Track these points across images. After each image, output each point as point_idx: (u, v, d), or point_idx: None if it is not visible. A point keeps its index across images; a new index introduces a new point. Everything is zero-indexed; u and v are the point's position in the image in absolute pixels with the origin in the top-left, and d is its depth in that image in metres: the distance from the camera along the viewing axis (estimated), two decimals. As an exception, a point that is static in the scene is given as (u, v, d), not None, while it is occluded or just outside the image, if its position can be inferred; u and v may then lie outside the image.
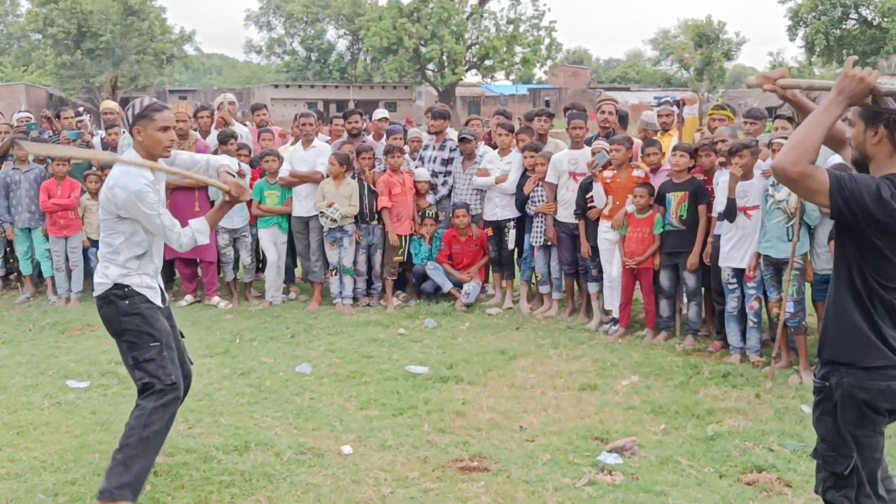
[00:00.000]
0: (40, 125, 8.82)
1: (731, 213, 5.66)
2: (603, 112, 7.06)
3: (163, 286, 3.81)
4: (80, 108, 12.44)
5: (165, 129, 3.57)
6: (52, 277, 7.91)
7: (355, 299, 7.59)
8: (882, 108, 2.39)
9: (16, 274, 8.34)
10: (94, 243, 7.96)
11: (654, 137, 6.88)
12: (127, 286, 3.62)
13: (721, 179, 5.82)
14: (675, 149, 6.26)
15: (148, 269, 3.69)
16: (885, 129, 2.40)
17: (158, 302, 3.71)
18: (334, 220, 7.21)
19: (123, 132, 8.29)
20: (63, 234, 7.77)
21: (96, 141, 8.36)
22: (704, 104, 7.03)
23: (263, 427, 4.54)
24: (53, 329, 6.89)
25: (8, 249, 8.24)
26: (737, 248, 5.73)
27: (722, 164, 6.01)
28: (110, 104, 8.88)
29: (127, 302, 3.62)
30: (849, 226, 2.38)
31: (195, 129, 8.00)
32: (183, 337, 3.86)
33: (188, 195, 7.50)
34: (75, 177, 7.83)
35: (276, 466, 3.99)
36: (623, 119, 7.19)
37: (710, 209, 6.06)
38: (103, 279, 3.66)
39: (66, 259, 7.81)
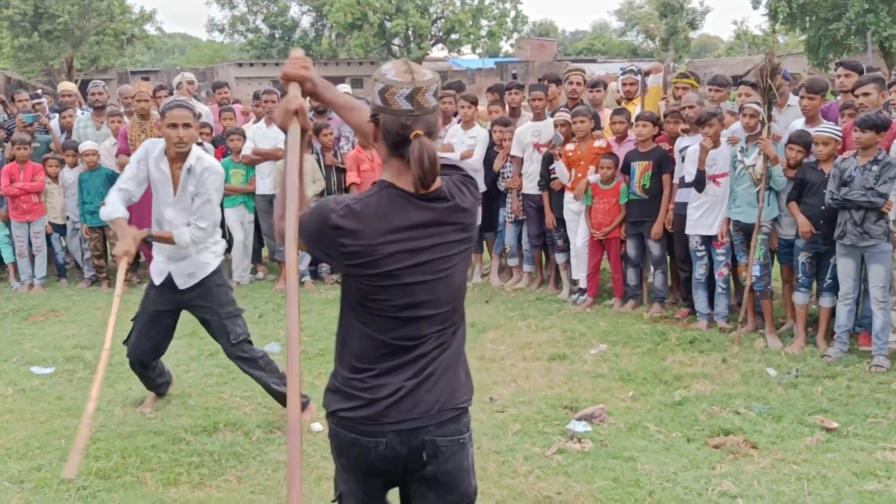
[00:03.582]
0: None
1: (700, 183, 5.70)
2: (571, 83, 7.07)
3: (172, 273, 4.11)
4: (39, 91, 12.13)
5: (172, 126, 3.92)
6: (14, 263, 7.75)
7: (317, 276, 7.57)
8: (373, 101, 2.02)
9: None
10: (57, 228, 7.81)
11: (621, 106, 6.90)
12: None
13: (690, 149, 5.84)
14: (637, 118, 6.29)
15: (161, 249, 4.14)
16: (375, 127, 2.02)
17: (156, 280, 4.14)
18: None
19: (81, 114, 8.12)
20: (26, 218, 7.59)
21: (54, 124, 8.16)
22: (670, 74, 7.03)
23: (232, 407, 4.51)
24: (17, 315, 6.76)
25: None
26: (706, 215, 5.77)
27: (685, 132, 6.05)
28: (68, 86, 8.66)
29: None
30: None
31: (155, 109, 7.84)
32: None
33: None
34: (35, 161, 7.65)
35: (246, 446, 3.97)
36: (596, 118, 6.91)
37: (672, 177, 6.11)
38: None
39: (30, 244, 7.65)
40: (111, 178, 7.42)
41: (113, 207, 3.92)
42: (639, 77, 6.94)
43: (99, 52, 42.08)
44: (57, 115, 8.28)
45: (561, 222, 6.73)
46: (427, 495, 2.11)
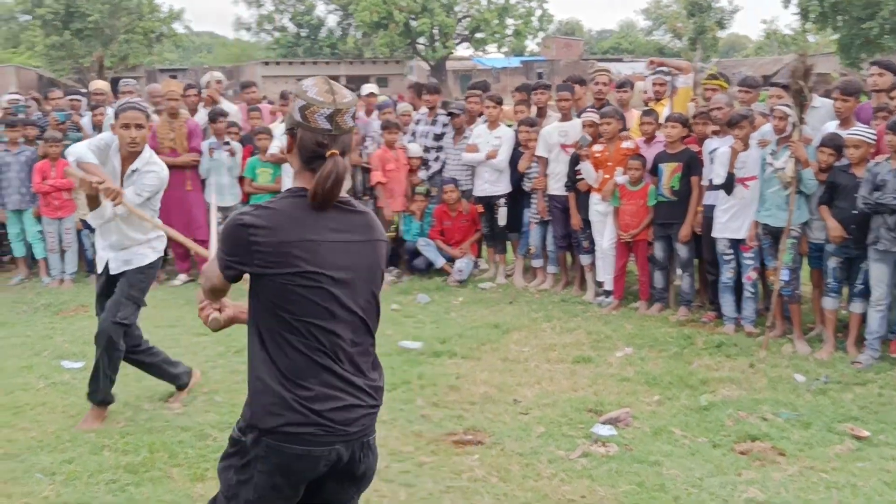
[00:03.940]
0: (28, 106, 8.73)
1: (730, 186, 5.64)
2: (597, 83, 7.04)
3: (110, 259, 4.32)
4: (83, 90, 12.29)
5: (125, 126, 4.10)
6: (45, 259, 7.88)
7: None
8: (292, 115, 2.09)
9: (9, 256, 8.31)
10: (87, 225, 7.92)
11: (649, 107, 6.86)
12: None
13: (720, 151, 5.78)
14: (667, 119, 6.24)
15: (103, 236, 4.32)
16: (291, 140, 2.11)
17: (98, 268, 4.40)
18: None
19: (110, 111, 8.22)
20: (57, 215, 7.72)
21: (86, 121, 8.28)
22: (698, 74, 6.97)
23: (259, 404, 4.54)
24: (48, 310, 6.87)
25: (1, 232, 8.21)
26: (734, 218, 5.72)
27: (714, 133, 5.99)
28: (100, 84, 8.77)
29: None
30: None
31: (185, 108, 7.93)
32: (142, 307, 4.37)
33: (179, 174, 7.48)
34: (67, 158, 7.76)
35: (272, 443, 4.00)
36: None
37: (700, 179, 6.06)
38: None
39: (60, 240, 7.78)
40: (141, 176, 7.53)
41: (87, 154, 4.08)
42: (668, 78, 6.88)
43: (128, 50, 42.56)
44: (89, 112, 8.40)
45: (587, 223, 6.71)
46: (347, 488, 2.20)
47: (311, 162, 2.07)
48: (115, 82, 9.13)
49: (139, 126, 4.12)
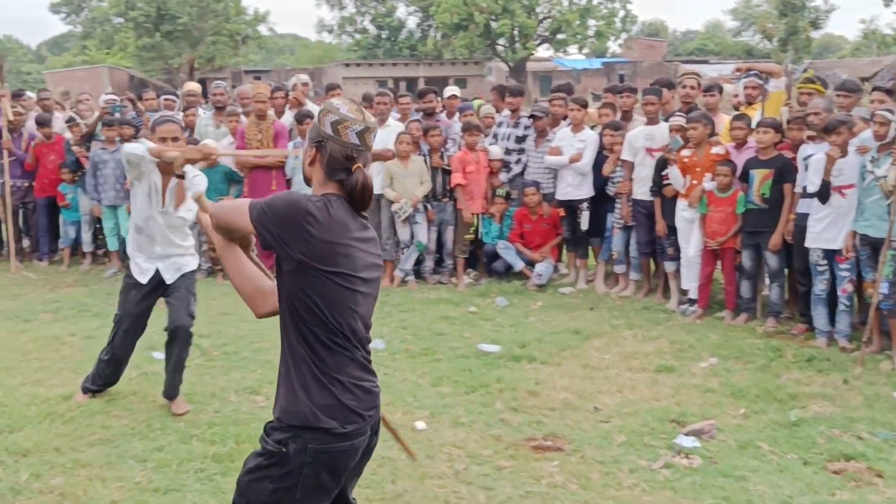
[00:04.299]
0: (124, 106, 9.12)
1: (825, 194, 5.41)
2: (685, 87, 6.88)
3: (160, 269, 4.43)
4: (176, 90, 12.81)
5: (162, 139, 4.15)
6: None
7: (420, 276, 7.62)
8: (321, 129, 2.21)
9: (104, 250, 8.70)
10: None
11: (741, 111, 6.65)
12: (128, 256, 4.54)
13: (814, 157, 5.55)
14: (759, 125, 6.04)
15: (143, 250, 4.40)
16: (317, 152, 2.20)
17: (142, 280, 4.43)
18: (403, 211, 7.26)
19: (202, 113, 8.51)
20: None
21: (178, 121, 8.58)
22: (791, 76, 6.71)
23: (339, 401, 4.61)
24: (140, 303, 7.13)
25: (98, 226, 8.60)
26: (830, 228, 5.48)
27: (810, 139, 5.75)
28: (193, 86, 9.09)
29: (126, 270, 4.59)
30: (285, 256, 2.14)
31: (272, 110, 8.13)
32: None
33: (265, 174, 7.68)
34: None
35: (352, 440, 4.05)
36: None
37: (794, 186, 5.83)
38: None
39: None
40: (228, 176, 7.78)
41: (149, 142, 4.24)
42: (761, 81, 6.65)
43: (214, 51, 43.99)
44: (181, 113, 8.71)
45: (672, 230, 6.55)
46: (364, 462, 2.34)
47: (335, 174, 2.19)
48: (203, 83, 9.42)
49: (175, 139, 4.20)
